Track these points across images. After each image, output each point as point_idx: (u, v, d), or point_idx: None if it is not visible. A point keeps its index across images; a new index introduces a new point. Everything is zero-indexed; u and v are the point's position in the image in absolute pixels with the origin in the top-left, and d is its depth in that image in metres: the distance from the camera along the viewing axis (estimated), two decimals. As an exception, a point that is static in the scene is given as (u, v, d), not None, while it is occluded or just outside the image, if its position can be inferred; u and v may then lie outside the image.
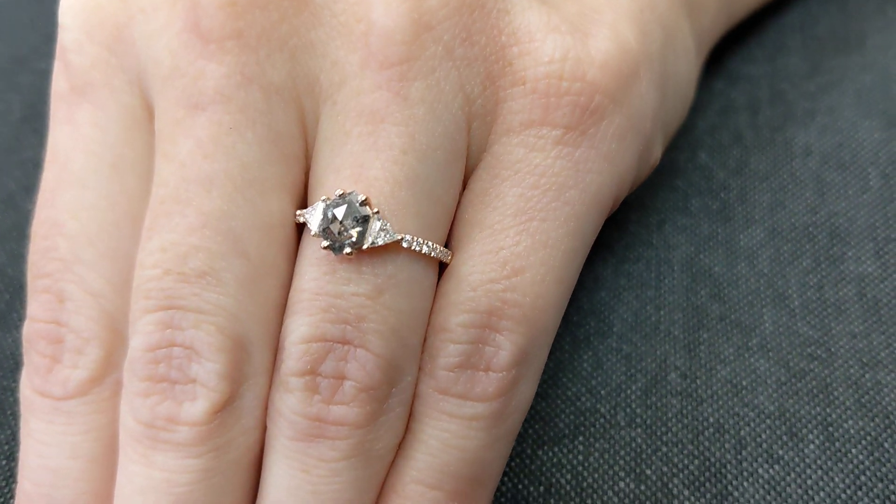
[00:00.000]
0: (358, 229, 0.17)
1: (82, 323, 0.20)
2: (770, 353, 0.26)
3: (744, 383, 0.25)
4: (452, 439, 0.19)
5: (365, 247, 0.17)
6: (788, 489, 0.23)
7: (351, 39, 0.18)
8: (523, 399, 0.20)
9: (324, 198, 0.18)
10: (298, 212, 0.18)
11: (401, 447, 0.19)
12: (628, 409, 0.25)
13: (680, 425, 0.24)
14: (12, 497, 0.23)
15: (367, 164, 0.18)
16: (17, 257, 0.28)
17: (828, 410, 0.24)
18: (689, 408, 0.25)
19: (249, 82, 0.18)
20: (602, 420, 0.24)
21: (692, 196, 0.30)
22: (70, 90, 0.20)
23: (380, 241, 0.17)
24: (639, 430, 0.24)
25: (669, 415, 0.25)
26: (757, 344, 0.26)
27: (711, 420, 0.24)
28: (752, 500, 0.23)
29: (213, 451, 0.18)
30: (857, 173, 0.30)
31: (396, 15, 0.18)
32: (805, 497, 0.23)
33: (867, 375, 0.25)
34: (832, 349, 0.26)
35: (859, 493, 0.23)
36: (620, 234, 0.29)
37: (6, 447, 0.24)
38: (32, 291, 0.20)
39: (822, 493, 0.23)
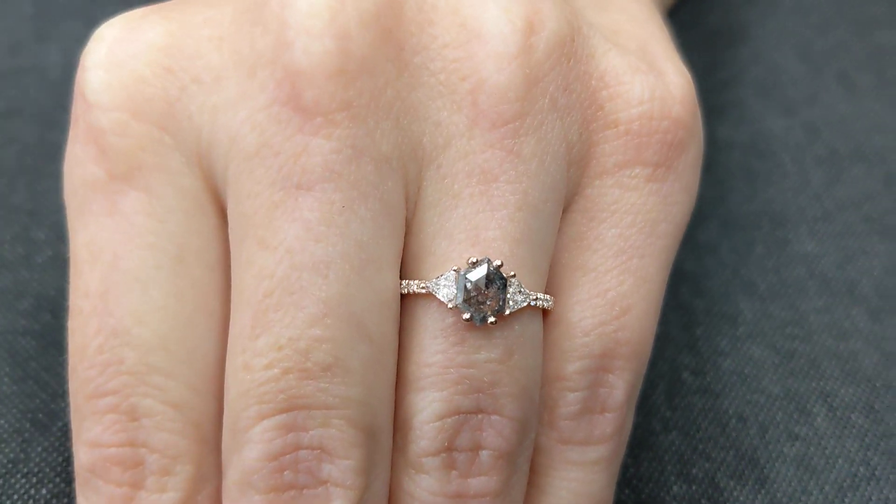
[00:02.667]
0: (501, 296, 0.17)
1: (167, 439, 0.17)
2: (758, 339, 0.28)
3: (746, 371, 0.27)
4: (580, 486, 0.19)
5: (507, 313, 0.17)
6: (813, 462, 0.25)
7: (454, 99, 0.17)
8: (629, 429, 0.20)
9: (455, 268, 0.17)
10: (416, 282, 0.17)
11: (527, 502, 0.19)
12: (659, 415, 0.26)
13: (707, 421, 0.26)
14: None
15: (482, 225, 0.17)
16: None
17: (822, 384, 0.27)
18: (710, 403, 0.26)
19: (360, 155, 0.16)
20: (640, 430, 0.25)
21: (648, 199, 0.31)
22: (110, 178, 0.17)
23: (519, 305, 0.17)
24: (674, 432, 0.25)
25: (695, 413, 0.26)
26: (744, 332, 0.28)
27: (731, 411, 0.26)
28: (786, 479, 0.25)
29: None
30: (774, 161, 0.33)
31: (509, 72, 0.17)
32: (828, 466, 0.25)
33: (842, 346, 0.28)
34: (806, 326, 0.28)
35: (869, 452, 0.25)
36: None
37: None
38: (90, 414, 0.17)
39: (840, 460, 0.25)
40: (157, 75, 0.17)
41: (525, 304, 0.17)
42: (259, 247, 0.17)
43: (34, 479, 0.22)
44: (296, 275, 0.16)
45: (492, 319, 0.17)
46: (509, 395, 0.18)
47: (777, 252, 0.30)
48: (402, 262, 0.18)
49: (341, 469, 0.17)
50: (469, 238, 0.17)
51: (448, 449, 0.17)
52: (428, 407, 0.17)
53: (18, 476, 0.22)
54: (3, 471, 0.23)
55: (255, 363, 0.17)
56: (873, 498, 0.25)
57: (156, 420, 0.17)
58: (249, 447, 0.17)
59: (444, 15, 0.17)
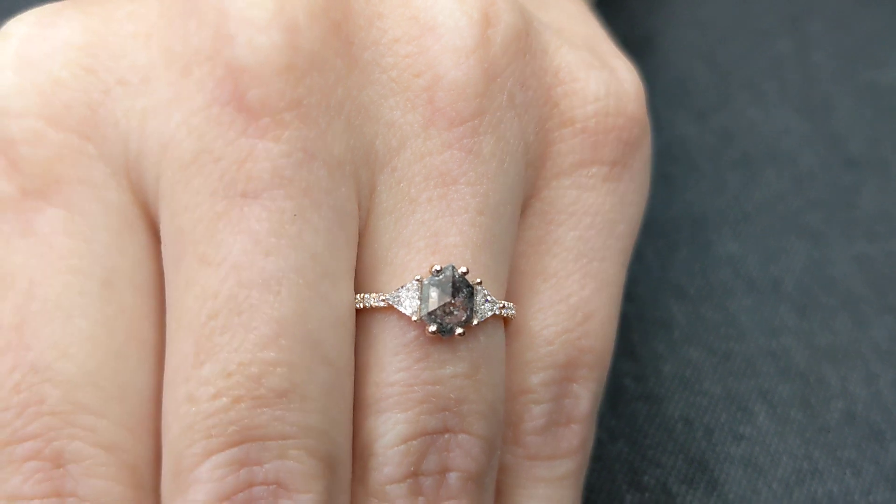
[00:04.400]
0: (469, 306, 0.16)
1: (98, 486, 0.15)
2: (694, 341, 0.28)
3: (687, 374, 0.27)
4: (549, 504, 0.18)
5: (475, 323, 0.16)
6: (759, 460, 0.25)
7: (408, 97, 0.16)
8: (592, 441, 0.19)
9: (417, 277, 0.16)
10: (374, 295, 0.16)
11: (495, 526, 0.18)
12: (604, 425, 0.25)
13: (653, 427, 0.25)
14: None
15: (441, 231, 0.16)
16: None
17: (759, 381, 0.27)
18: (655, 409, 0.26)
19: (312, 159, 0.15)
20: (588, 441, 0.25)
21: (574, 207, 0.31)
22: (22, 195, 0.15)
23: (488, 315, 0.16)
24: (622, 440, 0.25)
25: (641, 420, 0.25)
26: (680, 336, 0.28)
27: (677, 415, 0.26)
28: (735, 480, 0.25)
29: None
30: (689, 165, 0.34)
31: (467, 67, 0.16)
32: (774, 464, 0.25)
33: (774, 343, 0.28)
34: (738, 326, 0.28)
35: (810, 447, 0.26)
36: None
37: None
38: (6, 462, 0.15)
39: (785, 457, 0.25)
40: (77, 77, 0.15)
41: (492, 312, 0.16)
42: (200, 264, 0.15)
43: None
44: (244, 293, 0.15)
45: (460, 331, 0.16)
46: (476, 412, 0.16)
47: (702, 255, 0.31)
48: (355, 275, 0.17)
49: (300, 504, 0.15)
50: (429, 245, 0.16)
51: (414, 474, 0.16)
52: (392, 430, 0.16)
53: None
54: None
55: (200, 393, 0.15)
56: (818, 492, 0.25)
57: (85, 465, 0.15)
58: (196, 488, 0.15)
59: (394, 7, 0.16)
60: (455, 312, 0.16)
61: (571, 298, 0.18)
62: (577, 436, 0.18)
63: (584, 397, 0.18)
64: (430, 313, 0.15)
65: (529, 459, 0.18)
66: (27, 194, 0.15)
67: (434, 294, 0.15)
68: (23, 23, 0.16)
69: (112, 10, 0.16)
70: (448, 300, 0.15)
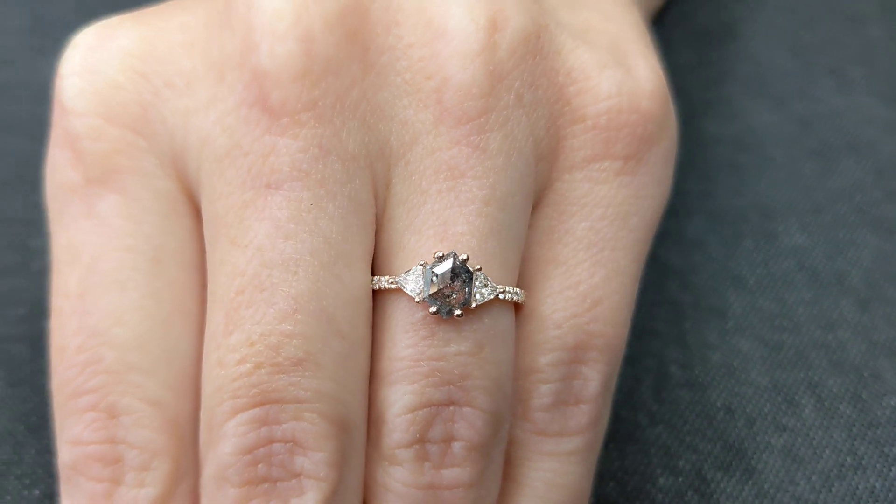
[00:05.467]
0: (466, 289, 0.17)
1: (145, 436, 0.18)
2: (746, 332, 0.28)
3: (735, 364, 0.27)
4: (556, 478, 0.19)
5: (473, 306, 0.17)
6: (800, 452, 0.25)
7: (420, 97, 0.18)
8: (606, 422, 0.20)
9: (422, 262, 0.17)
10: (386, 278, 0.18)
11: (503, 496, 0.19)
12: (645, 409, 0.26)
13: (694, 414, 0.26)
14: None
15: (450, 220, 0.18)
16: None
17: (810, 374, 0.27)
18: (697, 396, 0.26)
19: (327, 154, 0.17)
20: (626, 424, 0.25)
21: (636, 195, 0.31)
22: (86, 182, 0.18)
23: (486, 298, 0.17)
24: (661, 426, 0.26)
25: (682, 406, 0.26)
26: (733, 325, 0.28)
27: (719, 403, 0.26)
28: (773, 470, 0.25)
29: None
30: (763, 154, 0.33)
31: (473, 69, 0.17)
32: (815, 456, 0.25)
33: (829, 337, 0.28)
34: (794, 319, 0.28)
35: (856, 442, 0.25)
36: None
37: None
38: (71, 412, 0.18)
39: (828, 451, 0.25)
40: (131, 80, 0.18)
41: (493, 296, 0.17)
42: (231, 245, 0.17)
43: (27, 481, 0.23)
44: (266, 272, 0.17)
45: (458, 312, 0.17)
46: (480, 387, 0.18)
47: (766, 245, 0.30)
48: (373, 259, 0.18)
49: (314, 461, 0.17)
50: (437, 233, 0.18)
51: (420, 441, 0.18)
52: (400, 400, 0.18)
53: (11, 478, 0.23)
54: (-2, 472, 0.23)
55: (228, 359, 0.17)
56: (860, 487, 0.25)
57: (134, 417, 0.18)
58: (224, 442, 0.17)
59: (410, 15, 0.18)
60: (454, 295, 0.17)
61: (581, 285, 0.19)
62: (585, 415, 0.19)
63: (594, 379, 0.19)
64: (430, 295, 0.17)
65: (538, 434, 0.19)
66: (90, 182, 0.18)
67: (435, 278, 0.17)
68: (88, 34, 0.18)
69: (166, 21, 0.18)
70: (447, 284, 0.17)
